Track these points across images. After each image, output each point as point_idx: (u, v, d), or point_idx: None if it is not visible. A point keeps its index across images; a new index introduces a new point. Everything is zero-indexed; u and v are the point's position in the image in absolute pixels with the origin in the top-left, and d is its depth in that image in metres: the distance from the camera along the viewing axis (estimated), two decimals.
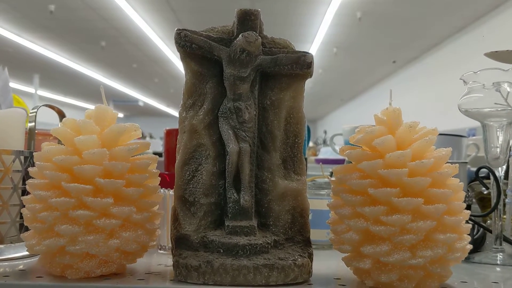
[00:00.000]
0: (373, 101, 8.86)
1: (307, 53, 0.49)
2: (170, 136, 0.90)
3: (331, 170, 1.14)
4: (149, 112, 13.90)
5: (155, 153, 1.88)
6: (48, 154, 0.45)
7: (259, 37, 0.47)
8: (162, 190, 0.59)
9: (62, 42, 6.52)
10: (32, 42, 6.49)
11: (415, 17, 5.13)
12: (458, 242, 0.43)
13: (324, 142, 5.36)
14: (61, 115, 0.64)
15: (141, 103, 11.23)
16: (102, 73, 8.65)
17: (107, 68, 8.22)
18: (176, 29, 0.47)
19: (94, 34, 6.03)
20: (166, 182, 0.72)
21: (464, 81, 0.62)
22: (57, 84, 9.10)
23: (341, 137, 1.25)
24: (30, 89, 7.69)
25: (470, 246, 0.44)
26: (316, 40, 6.04)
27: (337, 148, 1.36)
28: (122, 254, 0.45)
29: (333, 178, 0.48)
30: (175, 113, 13.86)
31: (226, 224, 0.46)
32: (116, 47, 6.64)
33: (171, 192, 0.59)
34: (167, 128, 0.91)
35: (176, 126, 0.90)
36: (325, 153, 2.42)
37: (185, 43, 0.47)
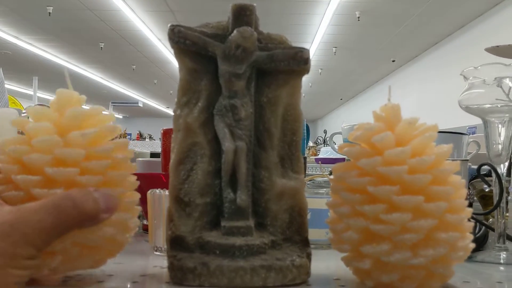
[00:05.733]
0: (373, 100, 8.85)
1: (304, 48, 0.47)
2: (167, 136, 0.89)
3: (329, 169, 1.14)
4: (148, 113, 13.90)
5: (154, 154, 1.87)
6: (2, 145, 0.42)
7: (255, 33, 0.46)
8: (158, 191, 0.58)
9: (61, 43, 6.52)
10: (30, 44, 6.49)
11: (414, 16, 5.12)
12: (461, 240, 0.42)
13: (324, 142, 5.35)
14: None
15: (140, 104, 11.23)
16: (101, 75, 8.65)
17: (106, 69, 8.22)
18: (169, 25, 0.46)
19: (93, 35, 6.03)
20: (162, 182, 0.71)
21: (464, 77, 0.61)
22: (56, 86, 9.04)
23: (340, 136, 1.24)
24: (30, 91, 7.68)
25: (473, 245, 0.43)
26: (315, 40, 6.04)
27: (337, 147, 1.36)
28: (84, 248, 0.42)
29: (332, 177, 0.47)
30: None
31: (222, 225, 0.45)
32: (115, 49, 6.64)
33: (166, 192, 0.58)
34: (164, 128, 0.90)
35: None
36: (325, 152, 2.41)
37: (179, 39, 0.46)
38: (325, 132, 6.34)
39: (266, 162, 0.47)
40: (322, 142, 5.32)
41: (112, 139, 0.46)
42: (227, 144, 0.46)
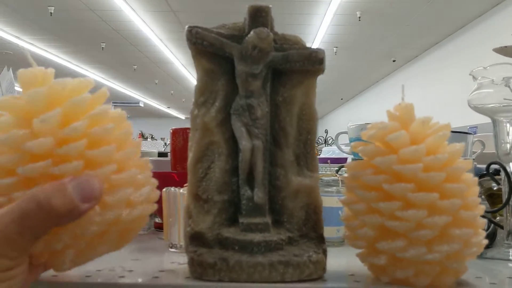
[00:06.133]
0: (373, 100, 8.86)
1: (319, 49, 0.48)
2: (177, 135, 0.90)
3: (335, 168, 1.15)
4: (149, 113, 13.91)
5: (159, 154, 1.88)
6: None
7: (271, 34, 0.47)
8: (173, 189, 0.59)
9: (62, 44, 6.52)
10: (32, 45, 6.49)
11: (414, 16, 5.13)
12: (474, 237, 0.43)
13: (326, 141, 5.35)
14: None
15: (141, 104, 11.23)
16: (102, 75, 8.65)
17: (107, 69, 8.23)
18: (187, 26, 0.47)
19: (94, 35, 6.04)
20: (174, 181, 0.72)
21: (473, 77, 0.62)
22: None
23: (345, 135, 1.24)
24: None
25: (486, 241, 0.44)
26: (316, 40, 6.04)
27: (342, 146, 1.36)
28: (92, 238, 0.38)
29: (344, 174, 0.48)
30: (175, 114, 13.88)
31: (240, 221, 0.46)
32: (116, 49, 6.64)
33: (181, 190, 0.59)
34: (173, 127, 0.91)
35: (176, 126, 0.90)
36: (327, 152, 2.42)
37: (197, 40, 0.47)
38: (326, 132, 6.34)
39: (282, 160, 0.48)
40: (323, 142, 5.33)
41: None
42: (244, 143, 0.46)
